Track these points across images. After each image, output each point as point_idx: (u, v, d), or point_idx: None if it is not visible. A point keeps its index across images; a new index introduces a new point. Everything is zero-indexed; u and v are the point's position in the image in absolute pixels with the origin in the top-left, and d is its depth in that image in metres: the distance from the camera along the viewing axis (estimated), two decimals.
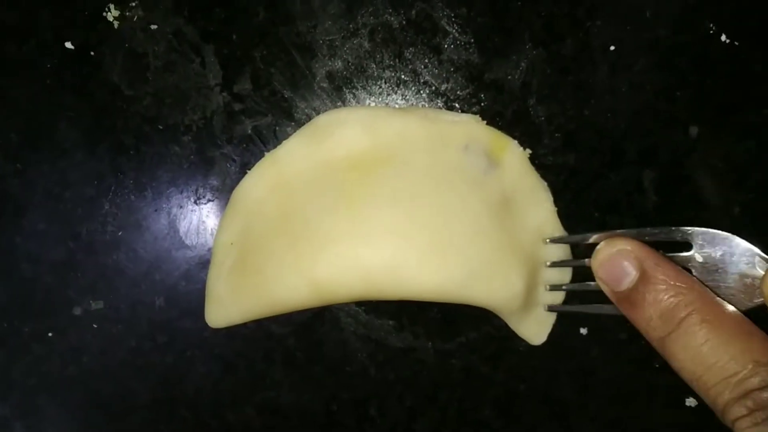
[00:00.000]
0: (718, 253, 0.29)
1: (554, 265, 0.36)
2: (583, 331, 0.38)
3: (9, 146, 0.37)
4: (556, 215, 0.36)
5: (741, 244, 0.29)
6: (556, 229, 0.36)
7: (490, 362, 0.38)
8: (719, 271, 0.29)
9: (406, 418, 0.38)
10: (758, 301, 0.28)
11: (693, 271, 0.30)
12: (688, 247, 0.30)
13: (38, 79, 0.37)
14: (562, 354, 0.38)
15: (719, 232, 0.30)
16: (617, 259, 0.29)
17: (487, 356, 0.38)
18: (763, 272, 0.28)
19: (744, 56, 0.36)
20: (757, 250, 0.29)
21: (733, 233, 0.29)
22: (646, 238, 0.31)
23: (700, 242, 0.30)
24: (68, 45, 0.37)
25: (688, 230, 0.30)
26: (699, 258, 0.30)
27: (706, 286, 0.29)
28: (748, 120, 0.37)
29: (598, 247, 0.31)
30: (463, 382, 0.38)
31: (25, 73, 0.37)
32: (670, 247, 0.31)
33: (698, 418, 0.38)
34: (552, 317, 0.37)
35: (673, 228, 0.30)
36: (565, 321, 0.37)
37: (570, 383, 0.38)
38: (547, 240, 0.36)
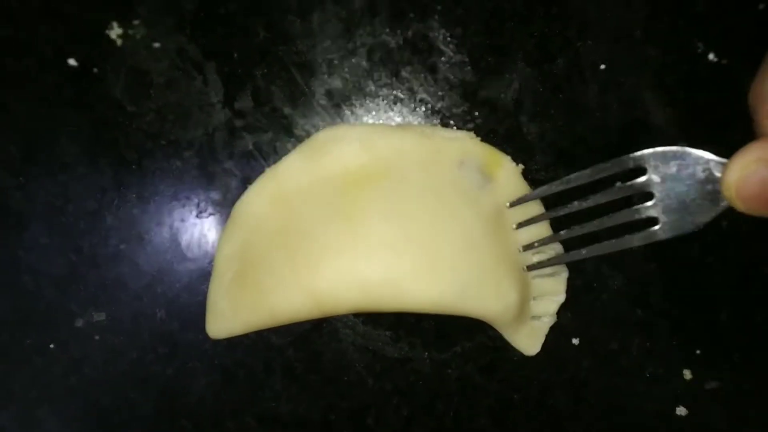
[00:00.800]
0: (673, 169, 0.29)
1: (520, 226, 0.36)
2: (575, 341, 0.39)
3: (11, 160, 0.38)
4: (549, 229, 0.37)
5: (692, 154, 0.29)
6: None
7: (485, 372, 0.39)
8: (678, 185, 0.29)
9: (403, 427, 0.39)
10: (724, 204, 0.28)
11: (654, 192, 0.30)
12: (643, 171, 0.30)
13: (40, 94, 0.37)
14: (555, 364, 0.39)
15: (668, 147, 0.29)
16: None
17: (481, 366, 0.39)
18: (720, 175, 0.28)
19: (732, 74, 0.37)
20: (709, 155, 0.28)
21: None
22: (602, 174, 0.31)
23: (653, 163, 0.30)
24: (71, 61, 0.37)
25: (638, 155, 0.30)
26: (656, 179, 0.30)
27: (671, 202, 0.29)
28: (736, 137, 0.37)
29: (728, 168, 0.27)
30: (458, 391, 0.39)
31: (27, 88, 0.37)
32: (626, 177, 0.31)
33: (689, 427, 0.38)
34: (545, 328, 0.38)
35: (623, 157, 0.30)
36: (557, 332, 0.38)
37: (563, 393, 0.39)
38: (508, 204, 0.35)
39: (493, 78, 0.37)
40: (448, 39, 0.37)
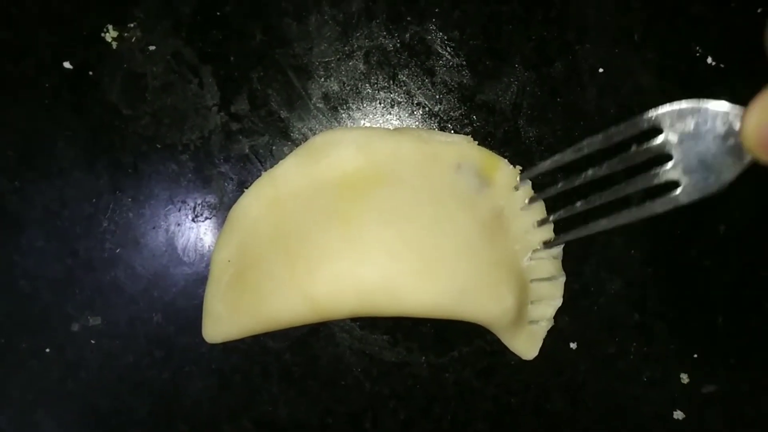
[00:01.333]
0: (691, 126, 0.27)
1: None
2: (573, 345, 0.38)
3: (7, 164, 0.37)
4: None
5: (710, 108, 0.26)
6: None
7: (483, 376, 0.39)
8: (699, 143, 0.27)
9: (400, 431, 0.39)
10: (748, 159, 0.26)
11: (672, 153, 0.28)
12: (658, 132, 0.28)
13: (37, 98, 0.37)
14: (553, 368, 0.39)
15: (683, 103, 0.27)
16: None
17: (479, 370, 0.39)
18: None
19: (730, 78, 0.37)
20: (728, 106, 0.26)
21: None
22: (615, 138, 0.30)
23: (669, 122, 0.27)
24: (67, 65, 0.37)
25: (652, 114, 0.28)
26: (674, 138, 0.27)
27: (691, 161, 0.27)
28: None
29: (746, 115, 0.25)
30: (455, 395, 0.39)
31: (23, 91, 0.37)
32: (642, 138, 0.29)
33: (686, 431, 0.39)
34: (543, 332, 0.38)
35: (636, 118, 0.28)
36: (555, 336, 0.38)
37: (561, 397, 0.39)
38: (518, 178, 0.35)
39: (491, 81, 0.37)
40: (446, 42, 0.37)
